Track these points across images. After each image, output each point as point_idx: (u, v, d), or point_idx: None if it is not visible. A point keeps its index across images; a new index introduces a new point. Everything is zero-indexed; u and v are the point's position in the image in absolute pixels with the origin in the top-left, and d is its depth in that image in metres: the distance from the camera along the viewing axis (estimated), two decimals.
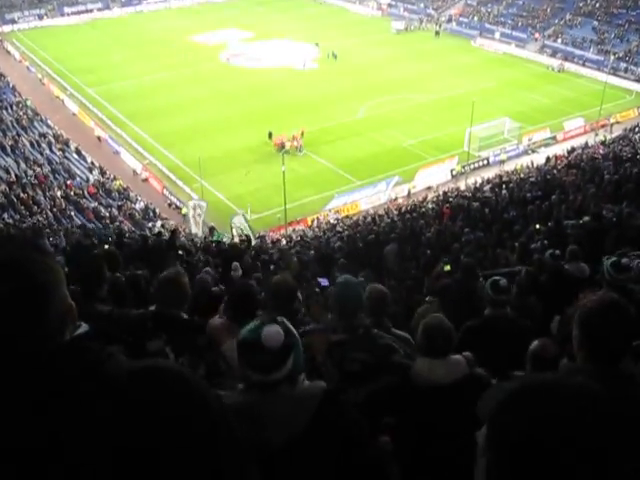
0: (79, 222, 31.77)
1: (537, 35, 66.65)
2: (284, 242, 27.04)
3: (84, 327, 2.03)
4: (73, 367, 1.73)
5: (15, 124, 45.12)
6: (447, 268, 10.82)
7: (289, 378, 2.52)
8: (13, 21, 79.12)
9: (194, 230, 32.67)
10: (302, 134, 43.01)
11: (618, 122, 47.20)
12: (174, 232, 17.90)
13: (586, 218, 11.86)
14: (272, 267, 14.67)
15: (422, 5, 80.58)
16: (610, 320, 2.67)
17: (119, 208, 35.64)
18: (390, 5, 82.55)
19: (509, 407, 1.17)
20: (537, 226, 13.61)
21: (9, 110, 48.09)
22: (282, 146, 41.17)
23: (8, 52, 67.80)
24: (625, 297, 3.59)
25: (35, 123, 47.05)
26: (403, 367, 3.69)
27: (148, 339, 4.03)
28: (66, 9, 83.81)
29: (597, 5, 68.46)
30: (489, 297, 5.60)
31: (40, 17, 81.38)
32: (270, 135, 43.07)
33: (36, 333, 1.75)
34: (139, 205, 36.71)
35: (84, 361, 1.77)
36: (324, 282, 9.29)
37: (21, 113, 47.45)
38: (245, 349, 2.52)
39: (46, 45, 68.99)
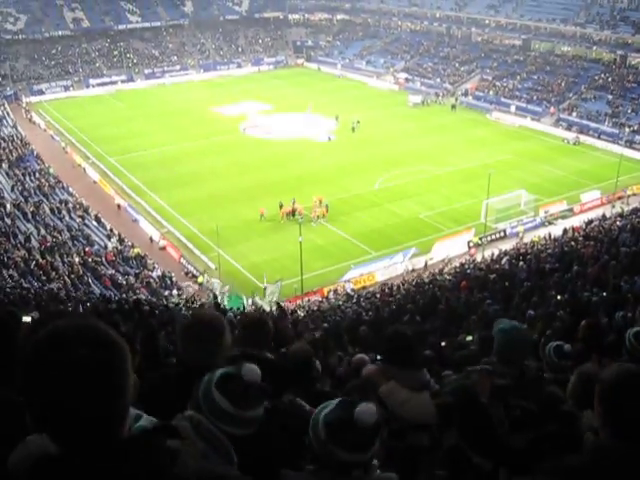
0: (96, 289, 31.83)
1: (552, 109, 67.49)
2: (301, 314, 26.86)
3: (146, 418, 1.90)
4: (139, 468, 1.61)
5: (37, 191, 45.97)
6: (469, 338, 10.77)
7: (366, 463, 2.53)
8: (41, 92, 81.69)
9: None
10: (320, 202, 43.36)
11: (635, 194, 47.18)
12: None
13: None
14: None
15: (439, 80, 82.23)
16: (633, 394, 2.56)
17: (136, 276, 35.75)
18: (407, 79, 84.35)
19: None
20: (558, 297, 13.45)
21: (32, 177, 49.13)
22: (292, 213, 42.17)
23: (33, 122, 69.69)
24: None
25: (57, 190, 47.88)
26: (572, 417, 3.53)
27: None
28: (91, 81, 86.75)
29: (610, 79, 69.55)
30: (552, 363, 5.60)
31: (66, 88, 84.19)
32: (281, 206, 43.36)
33: (110, 413, 1.61)
34: (156, 273, 36.82)
35: (151, 462, 1.65)
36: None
37: (43, 180, 48.40)
38: (337, 427, 2.50)
39: (71, 115, 71.02)
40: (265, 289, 33.79)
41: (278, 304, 25.62)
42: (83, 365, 1.56)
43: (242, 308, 27.64)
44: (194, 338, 3.22)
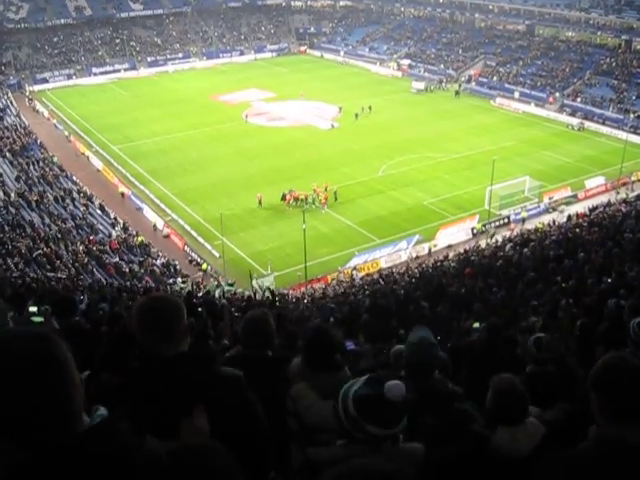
0: (100, 277, 31.93)
1: (551, 99, 67.06)
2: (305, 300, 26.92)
3: (102, 411, 1.94)
4: (101, 458, 1.65)
5: (41, 180, 46.01)
6: (476, 325, 10.82)
7: (394, 436, 2.58)
8: (44, 80, 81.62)
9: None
10: (326, 189, 43.49)
11: (639, 180, 47.06)
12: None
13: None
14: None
15: (442, 66, 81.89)
16: (623, 379, 2.61)
17: (140, 264, 35.83)
18: (411, 66, 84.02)
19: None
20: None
21: (35, 166, 49.17)
22: (296, 198, 42.64)
23: (37, 110, 69.68)
24: None
25: (60, 179, 47.94)
26: (482, 437, 3.47)
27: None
28: (94, 69, 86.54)
29: (615, 64, 69.18)
30: (532, 354, 5.60)
31: (69, 77, 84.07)
32: (284, 197, 43.42)
33: (59, 413, 1.66)
34: (160, 261, 36.89)
35: (113, 450, 1.69)
36: (350, 345, 9.16)
37: (47, 169, 48.45)
38: (367, 403, 2.55)
39: (74, 104, 70.96)
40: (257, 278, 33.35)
41: (271, 290, 25.66)
42: (18, 366, 1.64)
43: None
44: (147, 321, 2.97)
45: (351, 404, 2.58)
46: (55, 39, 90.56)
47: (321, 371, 3.95)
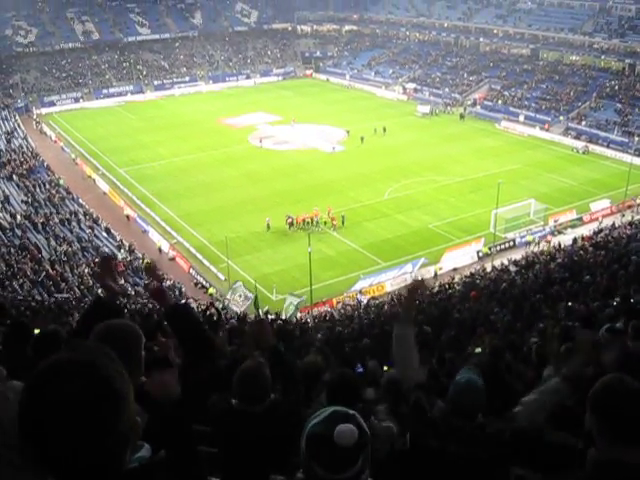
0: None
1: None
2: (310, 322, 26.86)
3: (147, 449, 1.89)
4: None
5: (47, 202, 46.21)
6: (478, 350, 10.78)
7: (353, 478, 2.38)
8: (51, 103, 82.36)
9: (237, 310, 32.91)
10: (328, 213, 43.68)
11: None
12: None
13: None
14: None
15: (447, 89, 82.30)
16: (621, 401, 2.59)
17: (145, 286, 35.68)
18: (416, 89, 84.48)
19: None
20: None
21: (42, 188, 49.44)
22: (291, 223, 42.78)
23: (44, 133, 70.17)
24: None
25: (67, 201, 48.13)
26: None
27: None
28: (101, 92, 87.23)
29: (619, 88, 69.43)
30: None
31: (76, 100, 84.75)
32: (291, 223, 43.30)
33: (103, 447, 1.57)
34: (165, 284, 36.82)
35: None
36: (359, 369, 9.20)
37: (53, 192, 48.68)
38: (315, 443, 2.36)
39: (81, 127, 71.49)
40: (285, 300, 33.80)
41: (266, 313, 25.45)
42: (75, 406, 1.54)
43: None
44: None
45: (303, 440, 2.41)
46: (63, 62, 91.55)
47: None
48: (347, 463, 2.33)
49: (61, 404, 1.53)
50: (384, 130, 64.51)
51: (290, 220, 43.14)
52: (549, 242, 40.03)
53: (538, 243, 40.89)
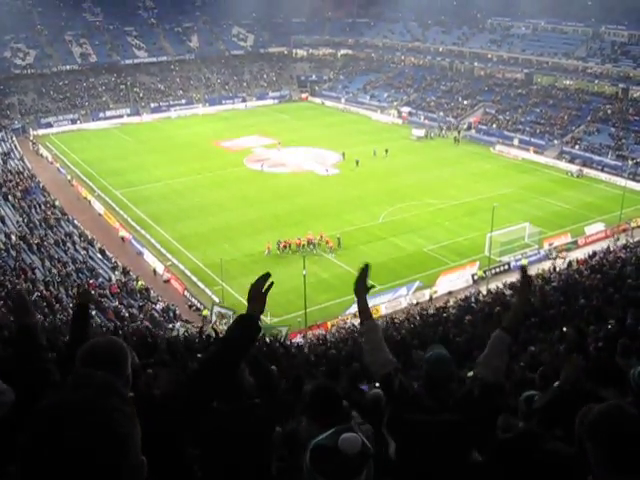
0: (99, 321, 31.73)
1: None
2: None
3: None
4: None
5: (42, 223, 46.15)
6: (470, 374, 10.71)
7: None
8: (48, 125, 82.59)
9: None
10: (321, 237, 43.84)
11: (639, 226, 47.18)
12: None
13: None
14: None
15: (442, 113, 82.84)
16: (620, 429, 2.53)
17: (140, 308, 35.70)
18: (411, 113, 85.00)
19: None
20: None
21: (37, 209, 49.40)
22: (285, 247, 43.02)
23: (40, 154, 70.28)
24: None
25: (62, 222, 48.07)
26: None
27: None
28: (98, 114, 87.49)
29: (612, 112, 70.03)
30: (523, 411, 5.56)
31: (73, 122, 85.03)
32: (284, 246, 43.45)
33: None
34: (159, 306, 36.77)
35: None
36: (365, 388, 9.26)
37: (49, 213, 48.66)
38: (320, 455, 2.42)
39: (77, 148, 71.69)
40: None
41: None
42: (77, 455, 1.53)
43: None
44: (88, 366, 2.80)
45: (307, 454, 2.47)
46: (60, 84, 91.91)
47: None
48: (352, 473, 2.40)
49: (63, 452, 1.51)
50: (386, 152, 64.81)
51: (283, 244, 43.18)
52: (564, 258, 40.34)
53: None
